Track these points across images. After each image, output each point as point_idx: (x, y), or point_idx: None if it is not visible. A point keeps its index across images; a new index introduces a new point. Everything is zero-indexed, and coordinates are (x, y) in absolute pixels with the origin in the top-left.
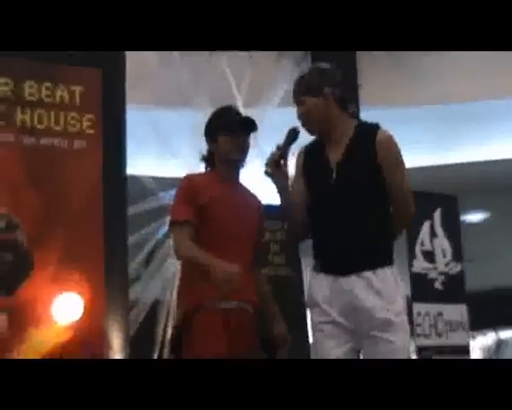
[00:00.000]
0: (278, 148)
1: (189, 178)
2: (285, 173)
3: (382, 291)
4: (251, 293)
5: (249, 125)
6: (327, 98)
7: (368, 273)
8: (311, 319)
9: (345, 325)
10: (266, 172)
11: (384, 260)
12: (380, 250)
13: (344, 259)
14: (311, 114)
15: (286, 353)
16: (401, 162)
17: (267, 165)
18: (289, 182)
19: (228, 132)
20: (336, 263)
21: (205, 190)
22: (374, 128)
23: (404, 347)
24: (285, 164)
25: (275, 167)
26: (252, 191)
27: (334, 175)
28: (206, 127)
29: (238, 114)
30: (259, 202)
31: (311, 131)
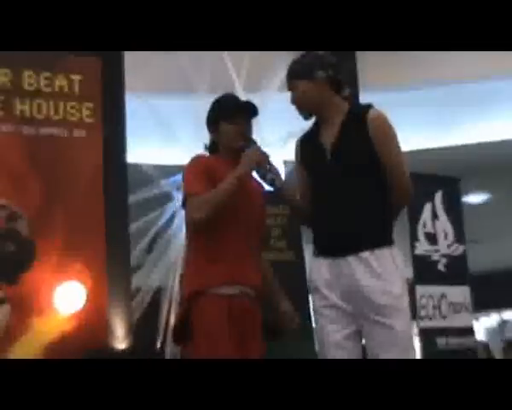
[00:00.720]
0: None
1: (202, 158)
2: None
3: (381, 273)
4: (255, 278)
5: (250, 111)
6: (319, 81)
7: (365, 254)
8: (313, 304)
9: (345, 308)
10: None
11: (382, 240)
12: (377, 230)
13: (341, 239)
14: (303, 98)
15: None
16: (393, 137)
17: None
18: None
19: (229, 120)
20: (334, 244)
21: (216, 170)
22: (366, 108)
23: (404, 331)
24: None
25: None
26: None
27: (328, 157)
28: (207, 117)
29: (238, 100)
30: (262, 186)
31: (304, 115)
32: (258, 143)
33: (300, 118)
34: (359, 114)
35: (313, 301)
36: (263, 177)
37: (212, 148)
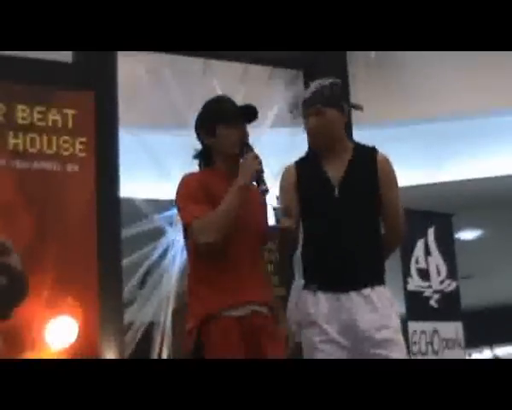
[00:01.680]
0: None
1: (193, 175)
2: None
3: (380, 309)
4: (263, 294)
5: (251, 113)
6: (345, 114)
7: (367, 291)
8: (308, 338)
9: (343, 343)
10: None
11: (381, 278)
12: (378, 268)
13: (345, 275)
14: (328, 126)
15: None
16: (397, 183)
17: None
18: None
19: (228, 123)
20: (337, 280)
21: (212, 186)
22: (372, 149)
23: None
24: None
25: None
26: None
27: (336, 192)
28: (199, 119)
29: (235, 102)
30: (262, 196)
31: (318, 145)
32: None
33: (292, 153)
34: (367, 154)
35: (309, 336)
36: (257, 185)
37: (204, 156)
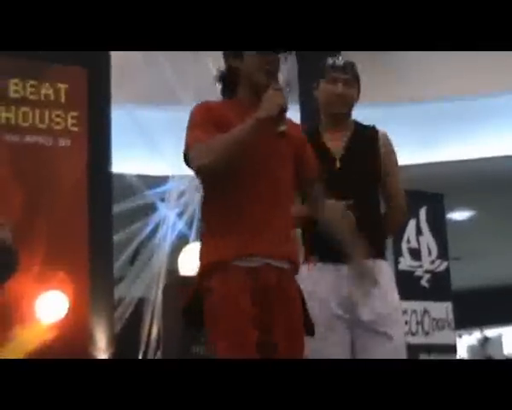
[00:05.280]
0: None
1: (209, 103)
2: None
3: (381, 283)
4: (285, 246)
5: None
6: (359, 94)
7: (369, 262)
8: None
9: (343, 316)
10: None
11: (382, 252)
12: (379, 242)
13: None
14: (352, 100)
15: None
16: (397, 162)
17: None
18: None
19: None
20: (338, 251)
21: (229, 119)
22: (373, 127)
23: (402, 343)
24: None
25: None
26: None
27: (337, 164)
28: None
29: None
30: (300, 130)
31: (337, 114)
32: None
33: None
34: (368, 132)
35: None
36: (274, 124)
37: (226, 80)
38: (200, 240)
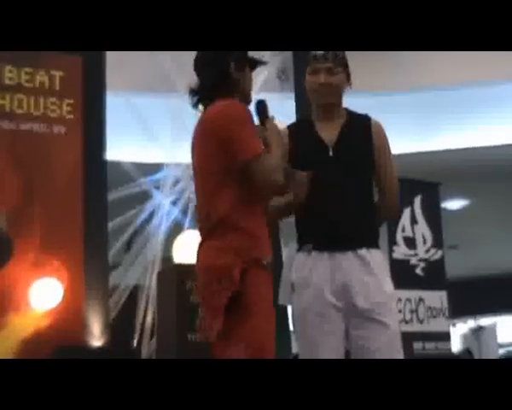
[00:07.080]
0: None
1: (244, 106)
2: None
3: (376, 272)
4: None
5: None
6: (349, 80)
7: (363, 251)
8: (302, 300)
9: (337, 305)
10: None
11: (375, 242)
12: (372, 231)
13: (341, 235)
14: (337, 88)
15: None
16: (390, 150)
17: None
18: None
19: (252, 68)
20: (332, 239)
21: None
22: (365, 116)
23: (397, 331)
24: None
25: None
26: None
27: (330, 152)
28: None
29: None
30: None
31: (324, 104)
32: None
33: (280, 119)
34: (361, 120)
35: (303, 298)
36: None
37: (223, 84)
38: (232, 226)
